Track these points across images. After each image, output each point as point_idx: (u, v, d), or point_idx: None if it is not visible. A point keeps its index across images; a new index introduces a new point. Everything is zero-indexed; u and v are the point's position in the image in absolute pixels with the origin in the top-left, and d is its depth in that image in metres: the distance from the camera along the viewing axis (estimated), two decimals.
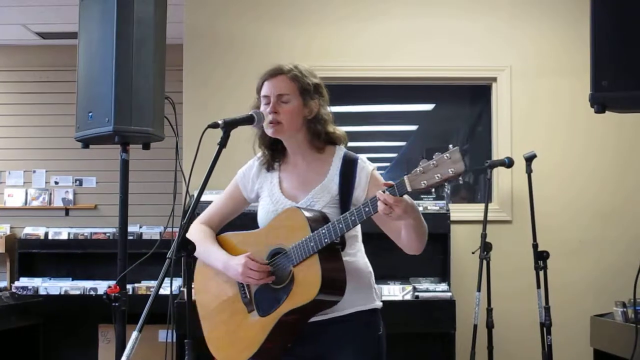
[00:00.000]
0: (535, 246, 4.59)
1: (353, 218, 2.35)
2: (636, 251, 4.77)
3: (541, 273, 4.54)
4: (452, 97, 5.75)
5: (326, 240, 2.38)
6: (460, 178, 2.17)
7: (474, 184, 5.80)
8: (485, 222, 4.69)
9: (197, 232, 2.72)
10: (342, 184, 2.55)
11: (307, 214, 2.47)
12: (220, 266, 2.63)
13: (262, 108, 2.60)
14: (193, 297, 2.64)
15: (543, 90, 5.31)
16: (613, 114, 2.83)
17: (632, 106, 2.78)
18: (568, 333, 4.96)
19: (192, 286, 2.65)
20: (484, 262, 4.64)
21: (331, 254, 2.43)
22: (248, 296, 2.59)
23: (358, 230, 2.63)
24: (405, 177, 2.22)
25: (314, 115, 2.60)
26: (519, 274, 4.97)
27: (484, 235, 4.65)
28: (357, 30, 5.35)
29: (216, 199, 2.85)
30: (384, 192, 2.26)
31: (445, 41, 5.32)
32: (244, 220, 2.91)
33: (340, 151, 2.64)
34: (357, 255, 2.61)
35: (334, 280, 2.42)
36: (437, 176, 2.16)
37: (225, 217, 2.81)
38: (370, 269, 2.65)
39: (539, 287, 4.55)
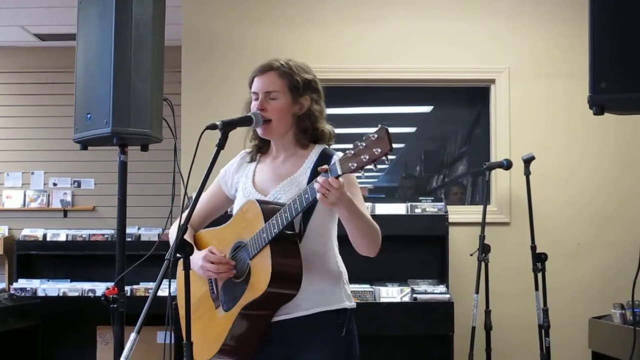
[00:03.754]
0: (533, 248, 4.59)
1: (296, 205, 2.30)
2: (634, 253, 4.75)
3: (539, 275, 4.53)
4: (451, 99, 5.76)
5: (275, 230, 2.33)
6: (386, 158, 2.09)
7: (473, 186, 5.80)
8: (483, 224, 4.69)
9: (176, 231, 2.69)
10: (313, 178, 2.44)
11: (262, 205, 2.41)
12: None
13: (252, 104, 2.56)
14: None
15: (541, 92, 5.31)
16: (611, 115, 2.83)
17: (631, 108, 2.77)
18: (566, 335, 4.95)
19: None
20: (482, 264, 4.64)
21: (285, 245, 2.37)
22: (215, 292, 2.56)
23: (332, 229, 2.56)
24: (337, 160, 2.17)
25: (305, 111, 2.56)
26: (518, 276, 4.97)
27: (482, 237, 4.65)
28: (355, 33, 5.34)
29: (200, 198, 2.79)
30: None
31: (443, 43, 5.32)
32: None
33: (319, 148, 2.58)
34: (327, 255, 2.52)
35: (286, 272, 2.36)
36: (365, 157, 2.10)
37: (207, 216, 2.76)
38: (343, 269, 2.58)
39: (537, 289, 4.55)
